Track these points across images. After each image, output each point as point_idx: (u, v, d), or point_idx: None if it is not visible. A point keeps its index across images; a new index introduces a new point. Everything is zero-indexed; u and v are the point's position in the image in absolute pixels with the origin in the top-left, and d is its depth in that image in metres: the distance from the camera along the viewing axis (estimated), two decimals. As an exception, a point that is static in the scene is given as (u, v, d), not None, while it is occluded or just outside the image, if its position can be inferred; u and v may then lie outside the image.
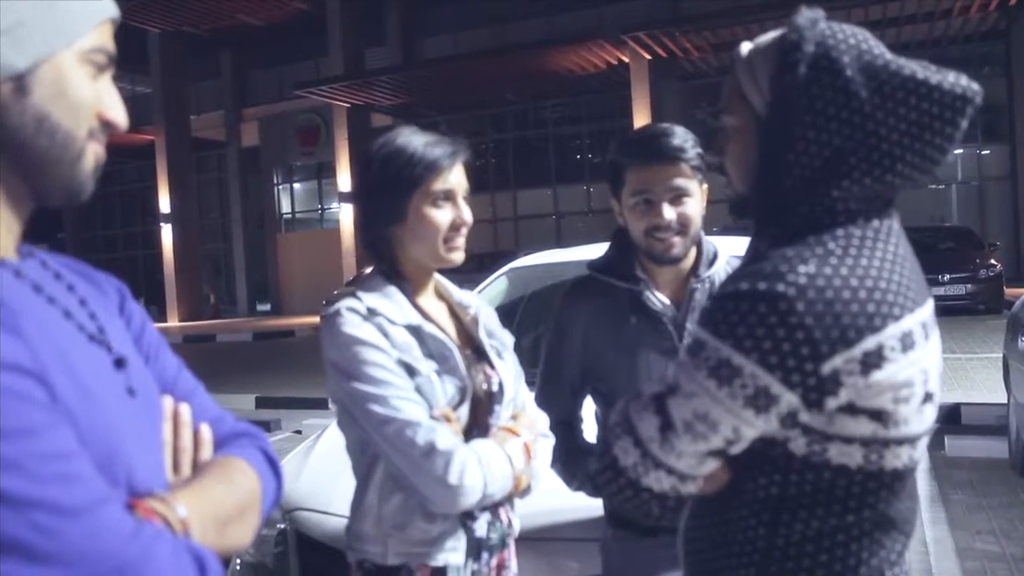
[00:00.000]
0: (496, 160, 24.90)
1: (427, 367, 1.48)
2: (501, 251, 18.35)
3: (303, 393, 9.24)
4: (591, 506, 1.97)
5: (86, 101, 0.86)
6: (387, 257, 1.57)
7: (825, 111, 1.04)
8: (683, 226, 1.76)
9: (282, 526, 2.43)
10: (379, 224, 1.56)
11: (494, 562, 1.57)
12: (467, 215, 1.57)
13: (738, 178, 1.17)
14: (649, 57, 18.86)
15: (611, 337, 1.81)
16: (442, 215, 1.54)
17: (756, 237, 1.15)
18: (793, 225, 1.08)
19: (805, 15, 1.08)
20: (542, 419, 1.68)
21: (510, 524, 1.61)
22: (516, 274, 4.07)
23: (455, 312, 1.67)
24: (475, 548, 1.52)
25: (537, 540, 2.10)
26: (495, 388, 1.59)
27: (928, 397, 1.06)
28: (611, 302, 1.83)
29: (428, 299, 1.62)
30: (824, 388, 0.99)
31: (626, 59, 19.19)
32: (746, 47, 1.15)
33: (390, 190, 1.52)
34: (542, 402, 1.90)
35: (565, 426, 1.89)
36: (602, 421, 1.92)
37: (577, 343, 1.86)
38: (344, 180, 22.71)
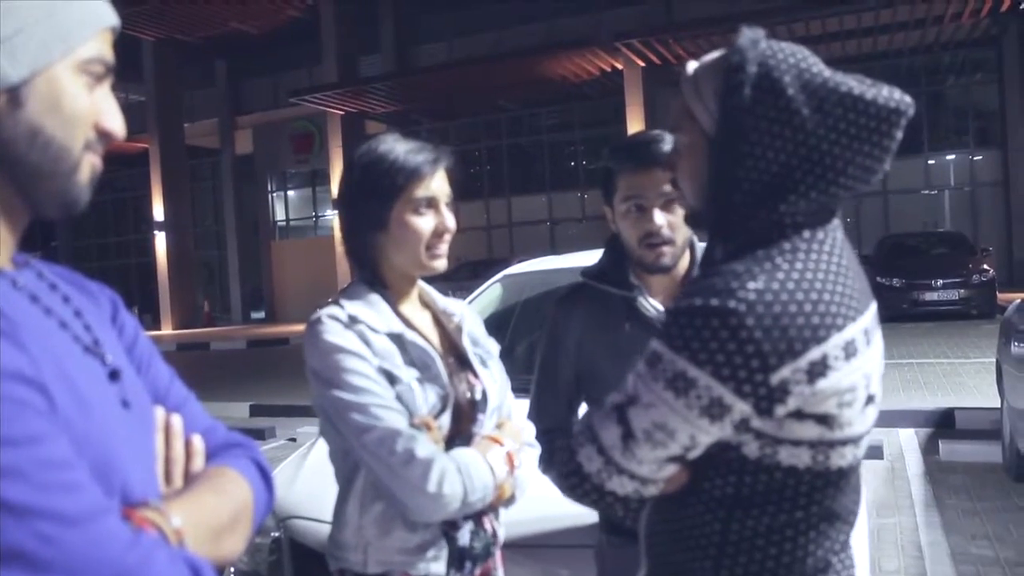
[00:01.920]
0: (490, 167, 24.95)
1: (408, 375, 1.47)
2: (495, 258, 18.39)
3: (297, 401, 9.21)
4: (585, 513, 1.97)
5: (81, 114, 0.84)
6: (369, 265, 1.56)
7: (770, 129, 1.09)
8: (674, 231, 1.77)
9: (276, 534, 2.42)
10: (361, 232, 1.55)
11: (478, 571, 1.56)
12: (450, 222, 1.56)
13: (691, 193, 1.22)
14: (643, 64, 18.93)
15: (605, 344, 1.81)
16: (424, 223, 1.52)
17: (708, 249, 1.21)
18: (743, 239, 1.13)
19: (746, 35, 1.14)
20: (528, 428, 1.67)
21: (495, 533, 1.60)
22: (510, 281, 4.07)
23: (439, 320, 1.65)
24: (458, 558, 1.51)
25: (531, 547, 2.10)
26: (478, 397, 1.58)
27: (870, 399, 1.13)
28: (605, 309, 1.83)
29: (411, 307, 1.61)
30: (773, 397, 1.04)
31: (620, 66, 19.25)
32: (691, 67, 1.20)
33: (372, 198, 1.51)
34: (537, 409, 1.90)
35: (560, 433, 1.89)
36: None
37: (571, 350, 1.86)
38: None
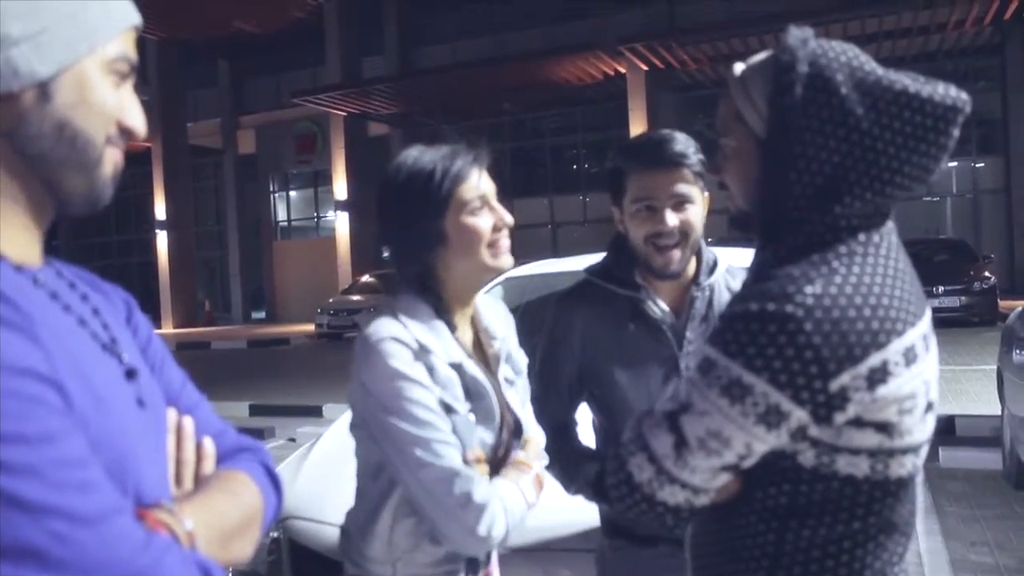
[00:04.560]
0: (493, 169, 24.90)
1: (464, 407, 1.44)
2: (497, 260, 18.37)
3: (297, 401, 9.22)
4: (587, 517, 1.96)
5: (107, 108, 0.86)
6: (433, 288, 1.50)
7: (823, 130, 1.06)
8: (684, 234, 1.73)
9: (275, 535, 2.42)
10: (421, 254, 1.48)
11: (482, 574, 1.56)
12: (507, 216, 1.51)
13: (740, 196, 1.19)
14: (646, 68, 18.94)
15: (609, 345, 1.79)
16: (482, 221, 1.47)
17: (760, 253, 1.18)
18: (797, 242, 1.10)
19: (795, 34, 1.10)
20: (541, 437, 1.64)
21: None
22: (512, 284, 4.06)
23: (479, 339, 1.60)
24: (472, 565, 1.51)
25: (533, 551, 2.09)
26: (516, 423, 1.56)
27: (930, 406, 1.10)
28: (610, 308, 1.80)
29: (464, 327, 1.55)
30: (832, 404, 1.02)
31: (623, 70, 19.26)
32: (739, 68, 1.17)
33: (422, 215, 1.45)
34: (539, 406, 1.87)
35: (562, 430, 1.86)
36: (599, 430, 1.89)
37: (575, 347, 1.83)
38: (340, 188, 22.74)
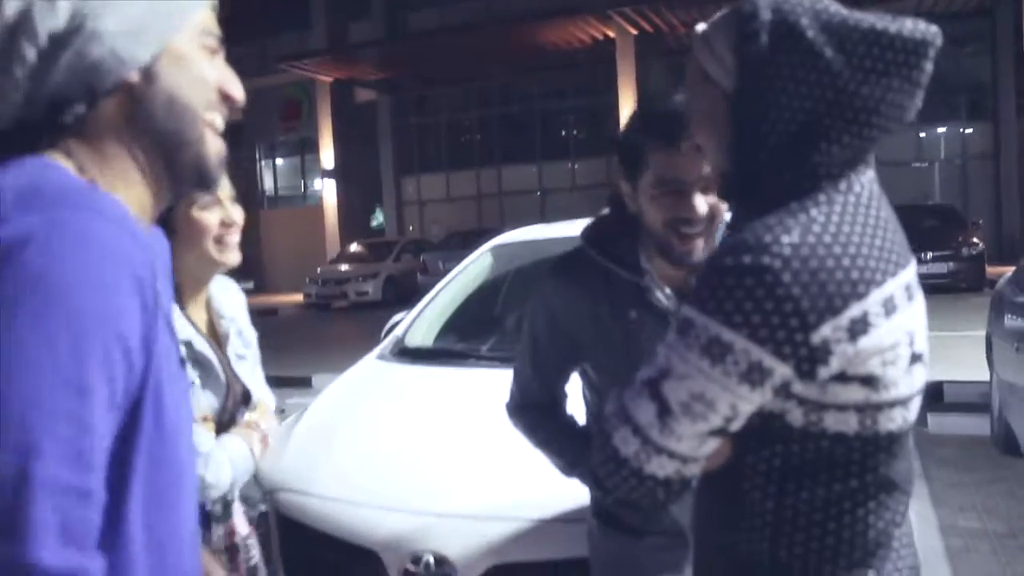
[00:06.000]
0: (481, 136, 24.79)
1: (192, 375, 1.62)
2: (485, 227, 18.30)
3: (286, 372, 9.18)
4: (579, 488, 1.93)
5: (207, 78, 0.93)
6: None
7: (793, 75, 1.03)
8: (711, 219, 1.53)
9: (264, 508, 2.39)
10: None
11: (222, 531, 1.68)
12: (235, 214, 1.65)
13: (715, 158, 1.16)
14: (635, 32, 18.78)
15: (607, 328, 1.64)
16: (210, 216, 1.61)
17: (737, 210, 1.15)
18: (775, 193, 1.07)
19: None
20: (271, 400, 1.87)
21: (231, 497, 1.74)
22: (500, 251, 4.03)
23: (212, 319, 1.79)
24: (203, 518, 1.61)
25: (525, 519, 2.07)
26: (245, 393, 1.77)
27: (916, 358, 1.08)
28: (608, 288, 1.64)
29: (197, 310, 1.73)
30: (815, 357, 0.99)
31: (612, 34, 19.10)
32: (701, 27, 1.15)
33: None
34: (526, 383, 1.78)
35: (551, 408, 1.77)
36: (590, 405, 1.79)
37: (569, 324, 1.68)
38: (327, 156, 22.55)
